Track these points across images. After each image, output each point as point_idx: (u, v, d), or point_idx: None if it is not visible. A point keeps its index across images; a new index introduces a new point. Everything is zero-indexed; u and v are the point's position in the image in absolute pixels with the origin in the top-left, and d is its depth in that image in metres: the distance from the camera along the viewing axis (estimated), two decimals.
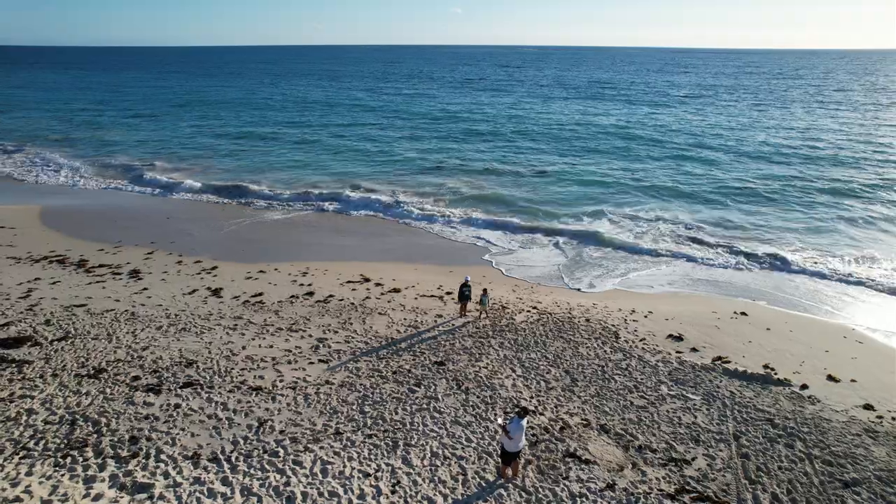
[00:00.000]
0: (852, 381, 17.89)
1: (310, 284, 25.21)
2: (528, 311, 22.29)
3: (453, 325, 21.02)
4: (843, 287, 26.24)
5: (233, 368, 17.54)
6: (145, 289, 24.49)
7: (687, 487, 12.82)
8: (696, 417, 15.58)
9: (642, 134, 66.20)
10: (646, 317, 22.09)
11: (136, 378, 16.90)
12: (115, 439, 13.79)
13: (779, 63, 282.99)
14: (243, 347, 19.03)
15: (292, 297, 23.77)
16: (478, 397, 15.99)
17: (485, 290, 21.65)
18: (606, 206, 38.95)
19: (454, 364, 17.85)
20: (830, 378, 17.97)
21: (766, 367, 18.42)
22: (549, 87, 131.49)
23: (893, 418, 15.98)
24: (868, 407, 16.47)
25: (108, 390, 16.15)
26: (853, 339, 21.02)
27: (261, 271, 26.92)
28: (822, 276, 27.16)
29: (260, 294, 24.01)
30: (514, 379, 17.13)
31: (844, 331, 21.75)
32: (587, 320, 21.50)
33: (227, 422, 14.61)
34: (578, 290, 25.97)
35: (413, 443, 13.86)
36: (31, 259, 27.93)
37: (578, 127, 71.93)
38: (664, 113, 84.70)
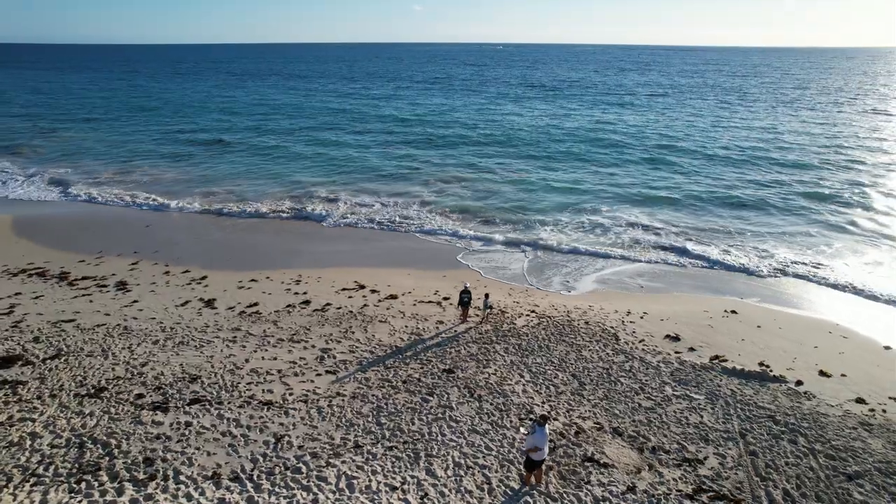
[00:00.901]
0: (842, 375, 18.70)
1: (305, 293, 24.95)
2: (528, 316, 22.55)
3: (455, 331, 21.13)
4: (811, 283, 27.31)
5: (239, 383, 17.27)
6: (135, 301, 23.86)
7: (703, 487, 13.25)
8: (702, 417, 16.07)
9: (609, 137, 65.64)
10: (642, 318, 22.60)
11: (140, 396, 16.50)
12: (129, 461, 13.47)
13: (741, 60, 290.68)
14: (246, 360, 18.75)
15: (289, 306, 23.50)
16: (491, 404, 16.14)
17: (486, 295, 21.96)
18: (574, 210, 39.04)
19: (463, 371, 17.96)
20: (822, 373, 18.74)
21: (761, 364, 19.09)
22: (517, 87, 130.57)
23: (884, 411, 16.78)
24: (860, 401, 17.25)
25: (112, 410, 15.73)
26: (838, 335, 21.94)
27: (252, 280, 26.52)
28: (797, 275, 28.17)
29: (255, 304, 23.66)
30: (523, 384, 17.35)
31: (829, 326, 22.68)
32: (586, 323, 21.88)
33: (242, 439, 14.41)
34: (569, 292, 26.34)
35: (434, 453, 13.94)
36: (9, 273, 26.90)
37: (549, 129, 71.01)
38: (630, 113, 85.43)
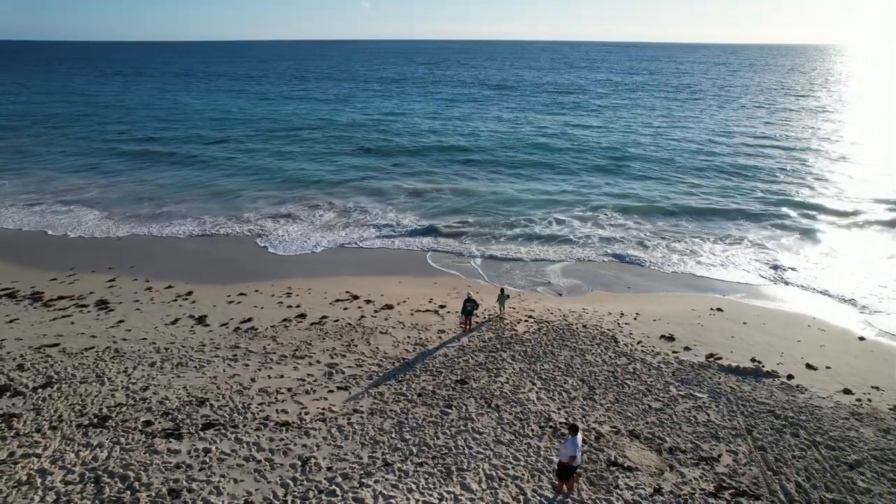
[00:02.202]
0: (827, 367, 19.88)
1: (298, 306, 24.57)
2: (527, 321, 22.94)
3: (459, 340, 21.28)
4: (780, 281, 28.86)
5: (250, 404, 16.92)
6: (121, 321, 22.94)
7: (724, 484, 13.89)
8: (709, 415, 16.79)
9: (558, 144, 63.22)
10: (635, 319, 23.34)
11: (149, 423, 15.95)
12: (153, 494, 13.02)
13: (675, 57, 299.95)
14: (252, 380, 18.37)
15: (285, 320, 23.10)
16: (510, 414, 16.40)
17: (502, 290, 23.48)
18: (544, 215, 39.02)
19: (476, 381, 18.15)
20: (809, 366, 19.87)
21: (753, 360, 20.07)
22: (473, 87, 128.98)
23: (870, 400, 17.97)
24: (847, 391, 18.39)
25: (121, 440, 15.15)
26: (816, 328, 23.27)
27: (241, 294, 25.91)
28: (769, 277, 29.69)
29: (249, 319, 23.15)
30: (536, 392, 17.68)
31: (807, 320, 24.00)
32: (584, 326, 22.44)
33: (267, 463, 14.14)
34: (560, 295, 26.91)
35: (465, 467, 14.07)
36: None
37: (508, 134, 68.74)
38: (587, 115, 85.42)
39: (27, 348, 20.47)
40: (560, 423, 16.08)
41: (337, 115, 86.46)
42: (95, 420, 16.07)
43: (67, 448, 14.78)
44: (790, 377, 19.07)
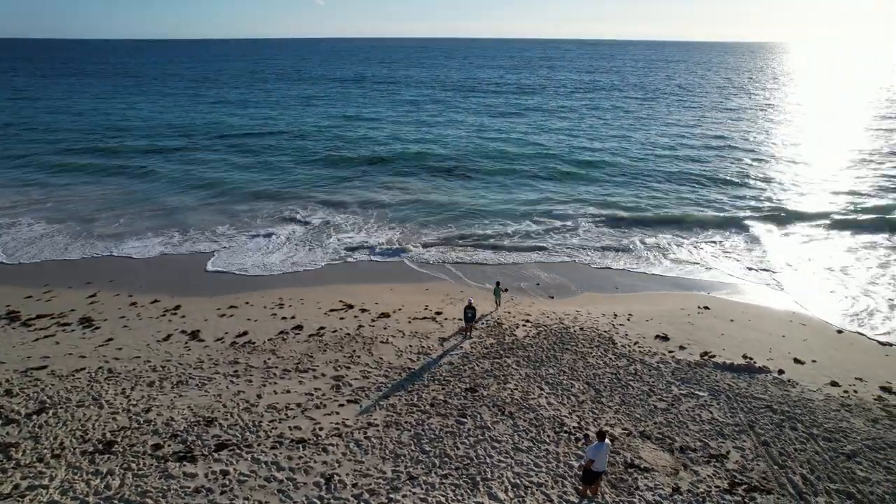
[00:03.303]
0: (813, 361, 20.91)
1: (293, 317, 24.24)
2: (524, 325, 23.25)
3: (461, 347, 21.41)
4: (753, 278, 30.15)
5: (260, 421, 16.65)
6: (110, 339, 22.17)
7: (736, 481, 14.48)
8: (712, 413, 17.44)
9: (526, 150, 61.46)
10: (628, 319, 23.96)
11: (158, 446, 15.51)
12: None
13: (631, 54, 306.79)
14: (258, 396, 18.06)
15: (281, 333, 22.77)
16: (524, 420, 16.64)
17: (497, 283, 25.01)
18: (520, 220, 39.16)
19: (486, 389, 18.32)
20: (797, 361, 20.84)
21: (745, 357, 20.92)
22: (435, 89, 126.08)
23: (856, 391, 19.00)
24: (834, 384, 19.39)
25: (132, 465, 14.69)
26: (798, 323, 24.43)
27: (231, 306, 25.37)
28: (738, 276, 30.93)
29: (245, 333, 22.72)
30: (545, 397, 17.98)
31: (788, 315, 25.17)
32: (581, 329, 22.90)
33: (289, 483, 13.97)
34: (552, 297, 27.35)
35: (489, 476, 14.23)
36: None
37: (474, 140, 66.54)
38: (539, 118, 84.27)
39: (12, 372, 19.56)
40: (573, 427, 16.44)
41: (298, 120, 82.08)
42: (100, 446, 15.52)
43: (76, 477, 14.24)
44: (781, 372, 19.96)
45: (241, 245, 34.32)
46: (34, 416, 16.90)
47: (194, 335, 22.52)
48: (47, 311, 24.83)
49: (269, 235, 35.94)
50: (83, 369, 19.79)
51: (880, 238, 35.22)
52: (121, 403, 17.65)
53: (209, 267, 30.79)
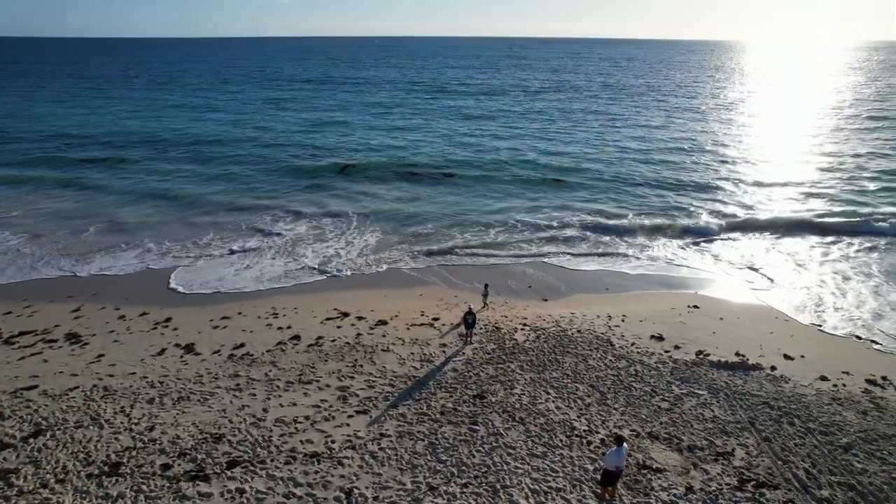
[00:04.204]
0: (801, 356, 21.73)
1: (289, 327, 23.95)
2: (523, 329, 23.48)
3: (463, 353, 21.51)
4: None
5: (270, 436, 16.44)
6: (101, 355, 21.52)
7: (744, 477, 14.99)
8: (713, 411, 17.98)
9: (501, 156, 59.81)
10: (623, 320, 24.45)
11: (167, 466, 15.17)
12: None
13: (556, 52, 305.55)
14: (265, 410, 17.82)
15: (279, 344, 22.47)
16: (536, 426, 16.85)
17: (486, 286, 26.17)
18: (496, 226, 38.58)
19: (494, 395, 18.47)
20: (786, 357, 21.63)
21: (738, 354, 21.59)
22: (403, 90, 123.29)
23: (844, 385, 19.84)
24: (824, 378, 20.21)
25: (143, 487, 14.35)
26: (782, 319, 25.34)
27: (224, 317, 24.91)
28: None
29: (242, 345, 22.35)
30: (553, 401, 18.24)
31: (772, 312, 26.07)
32: (578, 331, 23.27)
33: (309, 499, 13.86)
34: (545, 300, 27.70)
35: (508, 484, 14.39)
36: None
37: (440, 146, 64.76)
38: (508, 120, 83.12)
39: (1, 393, 18.81)
40: (583, 430, 16.73)
41: (266, 126, 77.81)
42: (106, 468, 15.10)
43: (84, 502, 13.84)
44: (773, 368, 20.68)
45: (212, 262, 32.15)
46: (31, 440, 16.32)
47: (189, 348, 22.04)
48: (30, 327, 23.94)
49: (244, 251, 33.81)
50: (77, 388, 19.16)
51: (847, 238, 36.18)
52: (121, 422, 17.18)
53: (176, 285, 28.79)
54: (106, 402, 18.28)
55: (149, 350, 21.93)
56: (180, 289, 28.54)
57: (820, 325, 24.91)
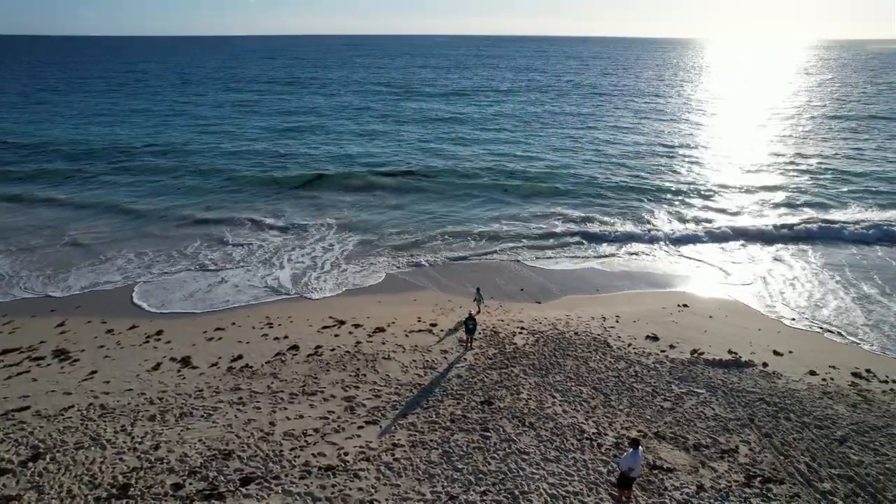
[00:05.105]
0: (790, 352, 22.54)
1: (286, 337, 23.67)
2: (521, 333, 23.72)
3: (465, 358, 21.62)
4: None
5: (281, 451, 16.27)
6: (93, 372, 20.90)
7: (751, 473, 15.50)
8: (714, 409, 18.52)
9: (479, 163, 57.57)
10: (617, 321, 24.93)
11: (178, 486, 14.88)
12: None
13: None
14: (272, 423, 17.61)
15: (278, 354, 22.20)
16: (546, 430, 17.07)
17: (478, 289, 26.25)
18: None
19: (501, 401, 18.63)
20: (776, 353, 22.41)
21: (730, 352, 22.27)
22: (372, 92, 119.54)
23: (833, 379, 20.68)
24: (813, 373, 21.01)
25: None
26: (768, 317, 26.20)
27: (218, 329, 24.47)
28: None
29: (240, 357, 22.00)
30: (559, 405, 18.51)
31: (758, 309, 26.91)
32: (576, 333, 23.63)
33: None
34: (539, 302, 28.02)
35: (526, 489, 14.56)
36: None
37: (412, 154, 61.99)
38: (479, 123, 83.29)
39: None
40: (593, 433, 17.04)
41: (233, 132, 73.74)
42: (115, 490, 14.72)
43: None
44: (765, 365, 21.40)
45: (180, 277, 30.49)
46: (30, 464, 15.80)
47: (186, 362, 21.59)
48: (14, 344, 23.07)
49: (217, 270, 31.55)
50: (71, 407, 18.58)
51: (820, 241, 37.10)
52: (124, 442, 16.74)
53: (142, 303, 27.28)
54: (105, 421, 17.79)
55: (143, 365, 21.39)
56: (145, 306, 27.05)
57: (804, 322, 25.83)
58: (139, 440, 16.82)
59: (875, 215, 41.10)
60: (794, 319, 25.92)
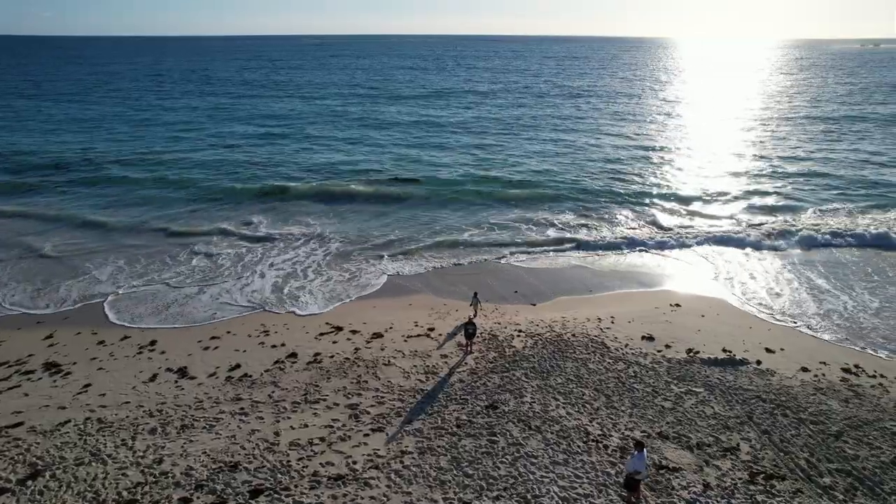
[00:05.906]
0: (781, 349, 23.07)
1: (283, 345, 23.47)
2: (519, 336, 23.86)
3: (466, 363, 21.69)
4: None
5: (288, 461, 16.14)
6: (87, 385, 20.47)
7: (754, 470, 15.86)
8: (713, 408, 18.88)
9: (458, 170, 55.71)
10: (612, 322, 25.24)
11: (187, 500, 14.67)
12: None
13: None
14: (276, 433, 17.46)
15: (277, 362, 22.00)
16: (552, 433, 17.22)
17: (475, 294, 26.24)
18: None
19: (505, 405, 18.73)
20: (768, 350, 22.92)
21: (725, 350, 22.72)
22: (345, 95, 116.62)
23: (824, 375, 21.23)
24: (805, 369, 21.55)
25: None
26: (756, 315, 26.77)
27: (213, 337, 24.15)
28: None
29: (238, 366, 21.75)
30: (563, 407, 18.68)
31: (746, 308, 27.49)
32: (573, 335, 23.86)
33: None
34: (534, 304, 28.22)
35: (538, 493, 14.68)
36: None
37: (391, 161, 59.57)
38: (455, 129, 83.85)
39: None
40: (598, 434, 17.24)
41: (208, 140, 70.80)
42: None
43: None
44: (759, 362, 21.89)
45: (159, 289, 29.32)
46: (29, 482, 15.42)
47: (183, 372, 21.27)
48: (1, 358, 22.45)
49: (204, 287, 29.47)
50: (68, 422, 18.18)
51: (798, 245, 38.06)
52: (126, 456, 16.44)
53: (115, 319, 26.25)
54: (104, 436, 17.44)
55: (139, 376, 21.01)
56: (116, 320, 26.10)
57: (792, 320, 26.46)
58: (141, 454, 16.52)
59: (853, 218, 42.20)
60: (781, 317, 26.51)
